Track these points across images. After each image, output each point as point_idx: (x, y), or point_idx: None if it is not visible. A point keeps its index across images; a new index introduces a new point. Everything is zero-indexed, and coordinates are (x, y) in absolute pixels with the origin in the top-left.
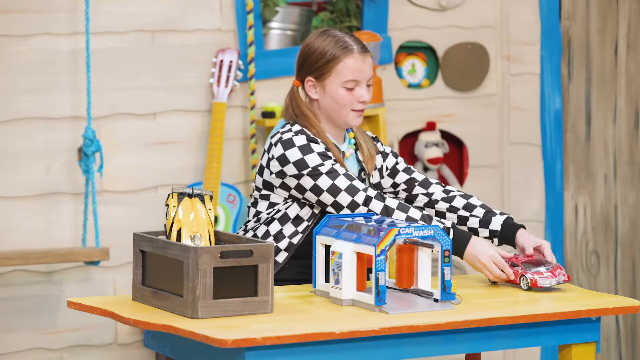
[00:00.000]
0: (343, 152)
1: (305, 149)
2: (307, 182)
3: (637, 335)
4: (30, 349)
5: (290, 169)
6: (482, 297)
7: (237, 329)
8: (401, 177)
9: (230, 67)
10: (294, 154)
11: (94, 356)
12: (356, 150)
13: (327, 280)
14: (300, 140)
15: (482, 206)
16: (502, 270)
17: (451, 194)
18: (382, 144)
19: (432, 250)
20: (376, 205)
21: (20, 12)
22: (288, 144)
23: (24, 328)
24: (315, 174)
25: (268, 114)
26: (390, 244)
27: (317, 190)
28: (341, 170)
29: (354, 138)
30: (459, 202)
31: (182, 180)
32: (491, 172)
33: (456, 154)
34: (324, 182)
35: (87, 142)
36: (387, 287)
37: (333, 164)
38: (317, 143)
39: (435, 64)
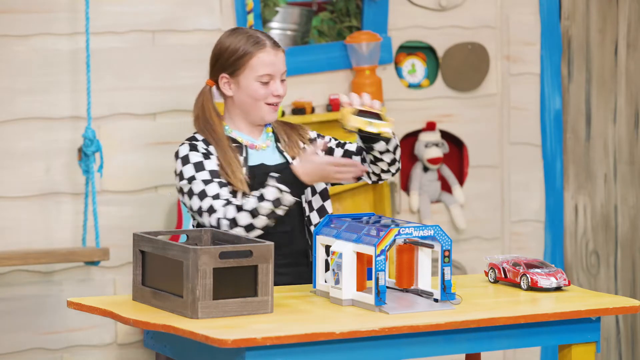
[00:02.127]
0: (250, 145)
1: (184, 160)
2: (185, 200)
3: (637, 335)
4: (30, 349)
5: (176, 181)
6: (482, 297)
7: (237, 329)
8: (338, 153)
9: None
10: (177, 165)
11: (94, 356)
12: (277, 142)
13: (327, 280)
14: (183, 150)
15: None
16: (339, 166)
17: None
18: (310, 131)
19: (432, 250)
20: (239, 217)
21: (20, 12)
22: (176, 155)
23: (24, 328)
24: (189, 192)
25: None
26: (390, 244)
27: (191, 209)
28: (210, 191)
29: (272, 132)
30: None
31: None
32: (491, 172)
33: (456, 154)
34: (195, 203)
35: (87, 142)
36: (387, 287)
37: (204, 180)
38: (197, 151)
39: (435, 64)
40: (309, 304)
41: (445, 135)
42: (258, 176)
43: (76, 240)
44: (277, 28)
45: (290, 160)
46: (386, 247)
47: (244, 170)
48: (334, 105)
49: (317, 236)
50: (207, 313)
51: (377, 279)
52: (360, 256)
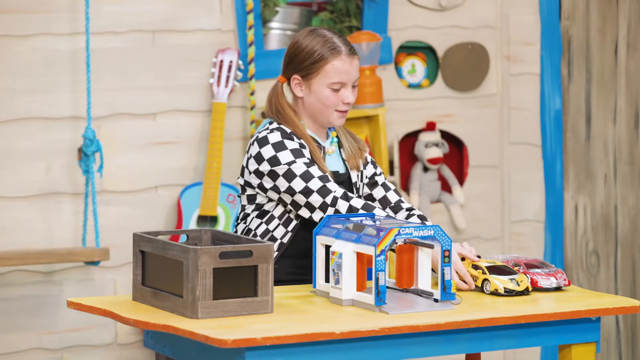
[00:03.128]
0: (324, 147)
1: (279, 146)
2: (282, 183)
3: (637, 335)
4: (30, 349)
5: (265, 166)
6: (482, 297)
7: (237, 329)
8: (378, 192)
9: (230, 67)
10: (267, 152)
11: (94, 356)
12: (340, 148)
13: (327, 280)
14: (275, 137)
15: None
16: (462, 280)
17: (411, 219)
18: (366, 149)
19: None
20: (342, 206)
21: (20, 12)
22: (263, 142)
23: (24, 328)
24: (289, 174)
25: None
26: (390, 244)
27: (291, 191)
28: (315, 172)
29: (337, 137)
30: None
31: (182, 180)
32: (491, 172)
33: (456, 154)
34: (298, 184)
35: (87, 142)
36: (387, 287)
37: (306, 163)
38: (292, 140)
39: (435, 64)
40: (309, 304)
41: (445, 135)
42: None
43: (76, 240)
44: (277, 28)
45: (349, 170)
46: (386, 247)
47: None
48: None
49: (317, 236)
50: (207, 313)
51: (377, 279)
52: (360, 256)
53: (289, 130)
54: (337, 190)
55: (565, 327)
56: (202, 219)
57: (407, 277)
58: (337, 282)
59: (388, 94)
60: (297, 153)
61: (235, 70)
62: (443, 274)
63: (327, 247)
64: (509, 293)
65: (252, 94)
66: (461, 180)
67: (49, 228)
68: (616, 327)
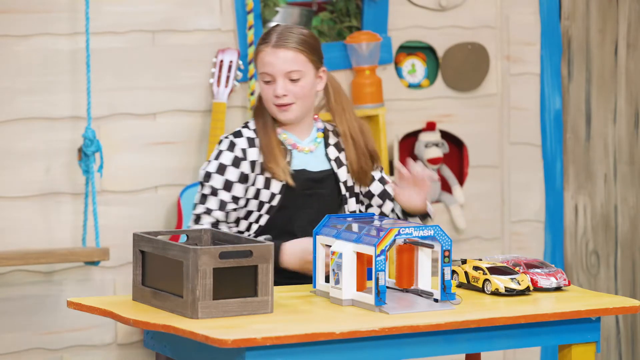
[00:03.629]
0: (296, 145)
1: (215, 155)
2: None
3: (637, 335)
4: (30, 349)
5: (201, 167)
6: (482, 297)
7: (237, 329)
8: (376, 187)
9: (230, 67)
10: (212, 153)
11: (94, 356)
12: (327, 147)
13: (327, 280)
14: (224, 144)
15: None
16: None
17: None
18: (379, 169)
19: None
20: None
21: (20, 12)
22: (218, 143)
23: (24, 328)
24: (201, 185)
25: None
26: (390, 244)
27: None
28: (210, 203)
29: (323, 138)
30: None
31: (182, 180)
32: (491, 172)
33: (456, 154)
34: (196, 197)
35: (87, 142)
36: (387, 287)
37: (215, 188)
38: (232, 151)
39: (435, 64)
40: (309, 304)
41: (445, 135)
42: (298, 181)
43: (76, 240)
44: None
45: (335, 168)
46: (386, 247)
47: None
48: None
49: (317, 236)
50: (207, 313)
51: (377, 279)
52: (360, 256)
53: (251, 128)
54: (206, 226)
55: (565, 327)
56: None
57: (407, 277)
58: (337, 282)
59: (388, 94)
60: (220, 169)
61: (235, 70)
62: (443, 274)
63: (327, 247)
64: (510, 292)
65: (252, 94)
66: (461, 180)
67: (49, 228)
68: (616, 327)
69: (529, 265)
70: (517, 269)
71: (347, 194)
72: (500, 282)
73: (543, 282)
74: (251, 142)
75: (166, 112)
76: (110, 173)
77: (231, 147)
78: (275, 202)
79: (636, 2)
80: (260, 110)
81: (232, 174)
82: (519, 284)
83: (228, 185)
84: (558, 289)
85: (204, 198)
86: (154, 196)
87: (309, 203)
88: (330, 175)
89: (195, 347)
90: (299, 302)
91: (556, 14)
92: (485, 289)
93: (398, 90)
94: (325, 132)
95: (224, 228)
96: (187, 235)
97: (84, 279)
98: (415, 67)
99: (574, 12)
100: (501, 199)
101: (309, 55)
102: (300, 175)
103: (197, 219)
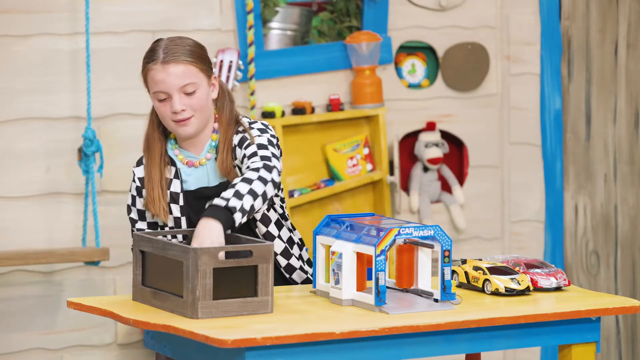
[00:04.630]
0: (192, 162)
1: (130, 187)
2: None
3: (637, 335)
4: (30, 349)
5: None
6: (482, 297)
7: (237, 329)
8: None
9: (230, 67)
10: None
11: (94, 356)
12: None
13: (327, 280)
14: (134, 173)
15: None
16: None
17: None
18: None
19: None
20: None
21: (20, 12)
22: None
23: (24, 328)
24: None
25: (268, 114)
26: (390, 244)
27: None
28: (132, 226)
29: (217, 140)
30: None
31: None
32: (491, 172)
33: (456, 154)
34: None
35: (87, 142)
36: (387, 287)
37: (133, 219)
38: (134, 182)
39: (435, 64)
40: (309, 304)
41: (445, 135)
42: (195, 202)
43: (76, 240)
44: (277, 28)
45: (223, 178)
46: (386, 247)
47: (180, 197)
48: (333, 105)
49: (317, 236)
50: (207, 313)
51: (377, 279)
52: (360, 256)
53: (142, 163)
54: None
55: (565, 327)
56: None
57: (407, 277)
58: (337, 282)
59: (388, 94)
60: (133, 201)
61: (235, 70)
62: (443, 274)
63: (327, 247)
64: (510, 292)
65: (252, 94)
66: (461, 180)
67: (49, 228)
68: (616, 327)
69: (529, 265)
70: (517, 269)
71: None
72: (500, 282)
73: (543, 282)
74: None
75: None
76: (110, 173)
77: (134, 176)
78: (183, 224)
79: (636, 2)
80: (146, 140)
81: (136, 195)
82: (519, 284)
83: (140, 212)
84: (558, 289)
85: (131, 223)
86: None
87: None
88: (224, 184)
89: (195, 347)
90: (299, 302)
91: (556, 14)
92: (485, 289)
93: (398, 90)
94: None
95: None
96: (187, 235)
97: (84, 279)
98: (415, 67)
99: (574, 12)
100: (501, 199)
101: (199, 65)
102: (197, 194)
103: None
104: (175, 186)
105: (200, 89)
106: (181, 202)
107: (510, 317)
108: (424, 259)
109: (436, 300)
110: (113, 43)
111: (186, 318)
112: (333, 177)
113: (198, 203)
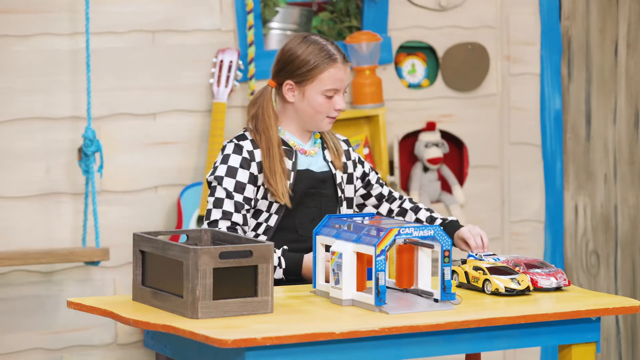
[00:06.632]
0: (304, 150)
1: (224, 158)
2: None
3: (637, 335)
4: (30, 349)
5: (209, 174)
6: (482, 297)
7: (237, 329)
8: (375, 190)
9: (230, 67)
10: (217, 159)
11: (94, 356)
12: (324, 149)
13: (327, 280)
14: (228, 148)
15: (428, 210)
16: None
17: (403, 205)
18: (352, 150)
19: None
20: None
21: (20, 12)
22: (221, 150)
23: (24, 328)
24: (213, 189)
25: None
26: (390, 244)
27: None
28: (227, 206)
29: (320, 138)
30: (410, 216)
31: (182, 180)
32: (491, 172)
33: (456, 154)
34: (210, 201)
35: (87, 142)
36: (387, 287)
37: (228, 190)
38: (239, 155)
39: (435, 64)
40: (309, 304)
41: (445, 135)
42: (304, 180)
43: (76, 240)
44: (277, 28)
45: (334, 170)
46: (386, 247)
47: (292, 175)
48: None
49: (317, 236)
50: (207, 313)
51: (377, 279)
52: (360, 256)
53: (249, 137)
54: (223, 228)
55: (565, 327)
56: (202, 219)
57: (407, 277)
58: (337, 282)
59: (388, 94)
60: (231, 172)
61: (235, 70)
62: (443, 274)
63: (327, 247)
64: (510, 292)
65: (252, 94)
66: (461, 180)
67: (49, 228)
68: (616, 327)
69: (529, 265)
70: (517, 269)
71: (343, 196)
72: (500, 282)
73: (543, 282)
74: (255, 145)
75: (166, 112)
76: (110, 173)
77: (237, 149)
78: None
79: (636, 2)
80: (264, 122)
81: (242, 175)
82: (519, 284)
83: (240, 187)
84: (558, 289)
85: (218, 202)
86: (154, 196)
87: (311, 202)
88: (330, 177)
89: (195, 347)
90: (299, 302)
91: (556, 14)
92: (485, 289)
93: (398, 90)
94: (322, 135)
95: (240, 231)
96: (187, 235)
97: (84, 279)
98: (415, 67)
99: (574, 12)
100: (501, 199)
101: None
102: (305, 175)
103: (214, 224)
104: (289, 164)
105: None
106: (291, 180)
107: (510, 317)
108: (424, 259)
109: (436, 300)
110: (113, 43)
111: (186, 318)
112: None
113: (305, 181)
